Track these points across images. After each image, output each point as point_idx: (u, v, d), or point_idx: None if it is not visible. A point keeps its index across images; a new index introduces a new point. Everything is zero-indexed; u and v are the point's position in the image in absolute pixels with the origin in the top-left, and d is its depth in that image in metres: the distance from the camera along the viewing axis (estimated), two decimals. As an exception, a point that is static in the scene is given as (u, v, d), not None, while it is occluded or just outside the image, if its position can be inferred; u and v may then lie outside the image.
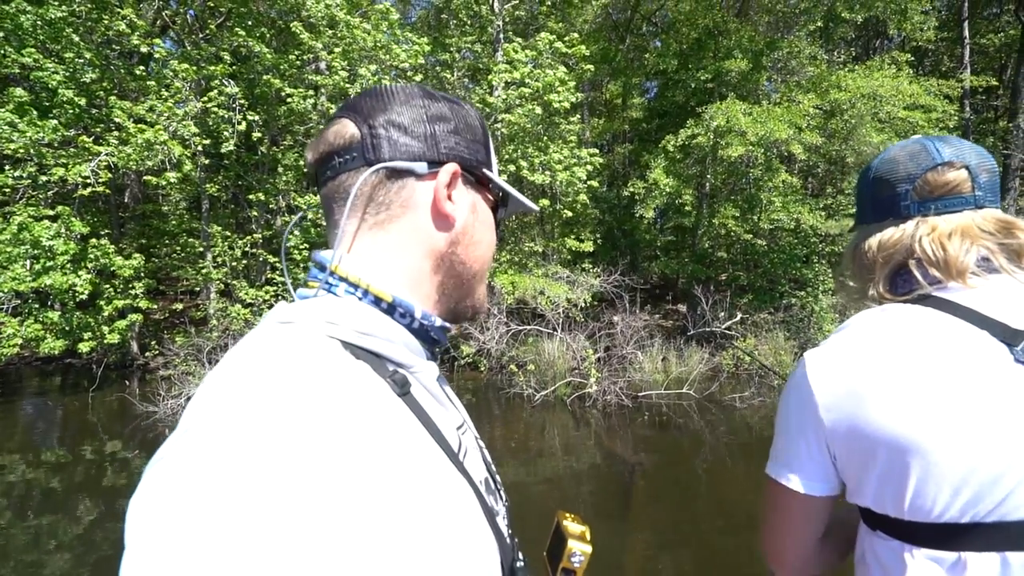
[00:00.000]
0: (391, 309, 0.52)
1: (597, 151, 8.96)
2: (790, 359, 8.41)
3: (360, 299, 0.51)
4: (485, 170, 0.60)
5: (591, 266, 9.70)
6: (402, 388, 0.49)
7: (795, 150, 8.23)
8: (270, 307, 8.47)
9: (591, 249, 9.77)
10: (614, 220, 11.65)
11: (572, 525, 0.75)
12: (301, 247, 8.70)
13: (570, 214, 9.23)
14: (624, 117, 12.96)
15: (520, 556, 0.59)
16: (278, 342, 0.44)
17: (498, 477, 0.67)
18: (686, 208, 9.97)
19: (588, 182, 8.51)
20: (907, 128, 8.71)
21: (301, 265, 8.74)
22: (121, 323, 7.38)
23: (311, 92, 8.13)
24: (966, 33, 11.42)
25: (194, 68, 7.50)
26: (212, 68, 7.56)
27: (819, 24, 9.91)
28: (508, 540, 0.57)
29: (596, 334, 8.50)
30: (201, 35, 8.64)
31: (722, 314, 9.47)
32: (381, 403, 0.45)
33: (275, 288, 8.48)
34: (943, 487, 0.65)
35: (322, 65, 8.86)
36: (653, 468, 5.48)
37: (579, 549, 0.71)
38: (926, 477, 0.66)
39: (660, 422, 6.73)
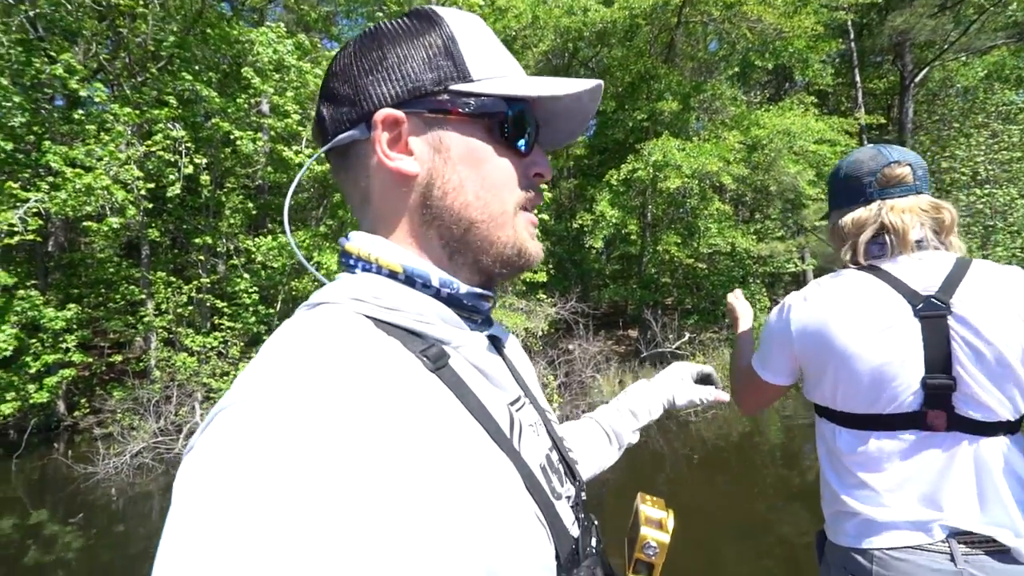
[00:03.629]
0: (411, 280, 0.48)
1: (545, 185, 9.39)
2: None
3: (376, 273, 0.49)
4: (456, 86, 0.48)
5: (545, 296, 9.98)
6: (436, 363, 0.45)
7: (725, 181, 8.99)
8: (218, 355, 8.11)
9: (544, 280, 10.07)
10: (564, 251, 12.08)
11: (650, 511, 0.68)
12: (250, 291, 8.43)
13: (524, 247, 9.52)
14: (568, 154, 13.66)
15: (592, 543, 0.53)
16: (303, 328, 0.43)
17: (572, 454, 0.61)
18: (631, 237, 10.53)
19: (538, 215, 8.88)
20: (818, 160, 9.74)
21: (250, 309, 8.46)
22: (50, 380, 6.80)
23: (258, 135, 8.09)
24: (858, 78, 13.05)
25: (136, 112, 7.31)
26: (156, 112, 7.40)
27: (736, 69, 11.03)
28: (574, 525, 0.51)
29: (555, 361, 8.70)
30: (139, 78, 8.45)
31: (671, 336, 9.96)
32: (406, 381, 0.41)
33: (223, 334, 8.12)
34: (855, 391, 1.05)
35: (264, 107, 8.87)
36: (618, 486, 5.62)
37: (654, 539, 0.64)
38: (847, 384, 1.05)
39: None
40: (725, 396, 0.98)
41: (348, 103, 0.49)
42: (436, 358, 0.45)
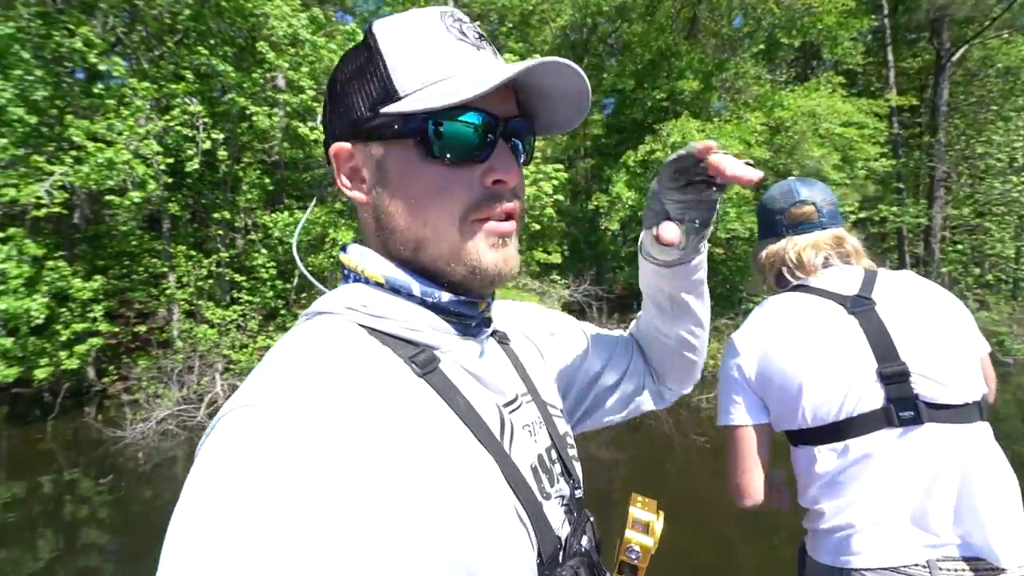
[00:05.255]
0: (395, 290, 0.50)
1: (561, 166, 9.28)
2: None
3: (365, 284, 0.52)
4: (386, 107, 0.47)
5: (559, 277, 9.98)
6: (425, 368, 0.47)
7: (745, 164, 8.78)
8: (238, 327, 8.34)
9: (559, 261, 10.06)
10: (580, 232, 12.01)
11: (639, 513, 0.67)
12: (268, 266, 8.59)
13: (538, 227, 9.50)
14: (585, 133, 13.44)
15: (583, 542, 0.54)
16: (300, 341, 0.46)
17: (571, 451, 0.61)
18: (647, 219, 10.41)
19: (554, 196, 8.81)
20: (844, 143, 9.44)
21: (268, 283, 8.63)
22: (80, 348, 7.09)
23: (274, 110, 8.12)
24: (890, 57, 12.50)
25: (154, 86, 7.38)
26: (173, 86, 7.46)
27: (761, 47, 10.65)
28: (563, 524, 0.52)
29: (566, 343, 8.75)
30: (156, 52, 8.49)
31: (684, 320, 9.88)
32: (391, 389, 0.44)
33: (241, 307, 8.33)
34: (820, 398, 1.05)
35: (280, 82, 8.86)
36: (628, 469, 5.71)
37: (637, 542, 0.63)
38: (810, 394, 1.05)
39: (632, 424, 6.99)
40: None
41: (330, 135, 0.53)
42: (425, 363, 0.48)
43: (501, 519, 0.45)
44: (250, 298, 8.43)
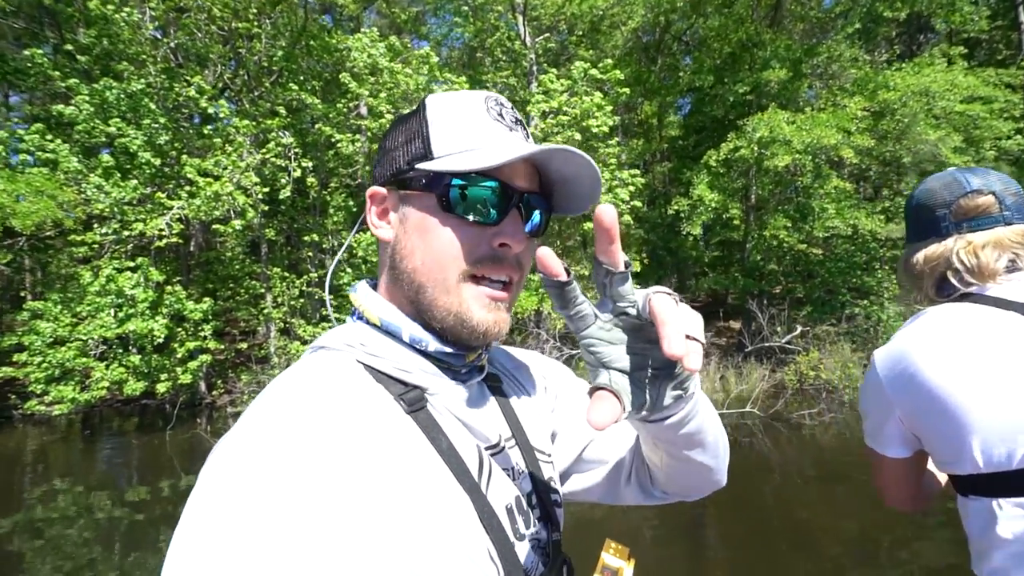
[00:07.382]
0: (389, 332, 0.54)
1: (637, 171, 8.96)
2: (859, 372, 7.94)
3: (365, 323, 0.56)
4: (420, 164, 0.53)
5: (638, 287, 9.57)
6: (412, 407, 0.51)
7: (845, 154, 7.96)
8: (327, 343, 8.84)
9: (637, 269, 9.67)
10: (658, 239, 11.51)
11: (610, 559, 0.67)
12: (353, 284, 9.04)
13: (613, 235, 9.21)
14: (661, 136, 12.94)
15: None
16: (301, 375, 0.50)
17: (554, 496, 0.63)
18: (733, 222, 9.74)
19: (631, 203, 8.50)
20: (967, 122, 8.28)
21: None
22: (193, 364, 7.84)
23: (357, 136, 8.59)
24: (1022, 18, 10.86)
25: (253, 123, 8.10)
26: (269, 122, 8.14)
27: (857, 26, 9.68)
28: (536, 564, 0.55)
29: (648, 355, 8.34)
30: (256, 93, 9.36)
31: (780, 328, 9.09)
32: (378, 424, 0.48)
33: (330, 324, 8.79)
34: (995, 436, 0.79)
35: (363, 109, 9.40)
36: (721, 491, 5.24)
37: None
38: (981, 431, 0.80)
39: (724, 443, 6.46)
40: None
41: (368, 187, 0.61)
42: (412, 402, 0.52)
43: (471, 555, 0.47)
44: (337, 316, 8.87)
